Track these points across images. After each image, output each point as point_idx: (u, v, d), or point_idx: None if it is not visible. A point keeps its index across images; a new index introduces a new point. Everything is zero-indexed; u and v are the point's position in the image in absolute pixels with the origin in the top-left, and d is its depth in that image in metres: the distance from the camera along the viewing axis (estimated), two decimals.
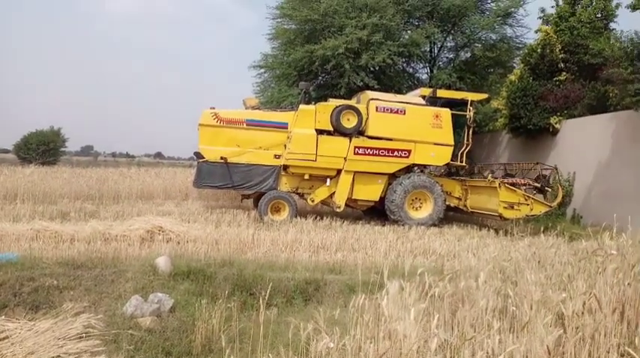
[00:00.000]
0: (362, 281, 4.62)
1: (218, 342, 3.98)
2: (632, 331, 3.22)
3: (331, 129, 10.79)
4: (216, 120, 10.60)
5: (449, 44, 17.87)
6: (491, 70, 17.77)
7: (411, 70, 18.18)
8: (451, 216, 12.12)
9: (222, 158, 10.42)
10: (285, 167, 10.81)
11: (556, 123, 13.34)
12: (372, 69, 15.18)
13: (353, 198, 11.04)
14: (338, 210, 10.87)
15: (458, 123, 11.86)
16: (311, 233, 8.44)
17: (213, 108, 10.71)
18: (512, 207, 10.52)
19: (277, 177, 10.81)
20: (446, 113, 11.26)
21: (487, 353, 2.58)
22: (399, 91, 16.01)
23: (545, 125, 13.38)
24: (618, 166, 11.25)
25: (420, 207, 11.17)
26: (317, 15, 15.12)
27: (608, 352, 2.88)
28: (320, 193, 10.99)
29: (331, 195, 10.99)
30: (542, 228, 8.14)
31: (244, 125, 10.72)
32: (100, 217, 9.24)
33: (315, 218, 9.84)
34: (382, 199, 11.09)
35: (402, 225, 10.17)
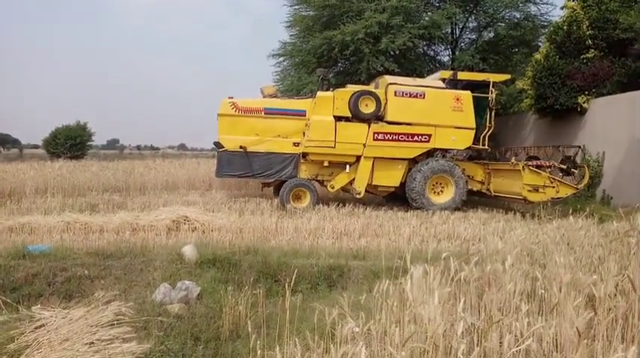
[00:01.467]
0: (386, 266, 4.61)
1: (245, 328, 4.03)
2: None
3: (349, 115, 10.70)
4: (235, 109, 10.63)
5: (471, 25, 17.47)
6: (516, 49, 17.31)
7: (432, 53, 17.90)
8: (476, 200, 11.94)
9: (241, 147, 10.49)
10: (305, 154, 10.80)
11: (584, 103, 12.92)
12: (392, 53, 14.97)
13: (373, 184, 10.96)
14: (358, 196, 10.81)
15: (481, 106, 11.58)
16: (334, 220, 8.45)
17: (232, 97, 10.72)
18: (537, 190, 10.30)
19: (297, 164, 10.82)
20: (467, 96, 11.02)
21: (515, 335, 2.54)
22: (420, 75, 15.77)
23: (573, 105, 12.98)
24: None
25: (442, 191, 11.04)
26: (335, 0, 14.95)
27: None
28: (340, 180, 10.95)
29: (351, 182, 10.93)
30: (570, 210, 7.95)
31: (262, 114, 10.73)
32: (127, 208, 9.44)
33: (338, 205, 9.84)
34: (402, 185, 11.00)
35: (426, 211, 10.05)
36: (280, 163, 10.77)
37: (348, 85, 11.65)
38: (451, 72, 11.67)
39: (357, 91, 10.79)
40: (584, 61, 13.21)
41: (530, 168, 10.41)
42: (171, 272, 5.10)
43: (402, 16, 14.47)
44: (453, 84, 11.40)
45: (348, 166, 10.89)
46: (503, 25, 16.58)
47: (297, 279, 4.79)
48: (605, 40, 13.17)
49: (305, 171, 10.97)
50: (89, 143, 30.83)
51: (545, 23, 16.61)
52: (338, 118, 10.67)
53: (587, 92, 12.89)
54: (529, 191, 10.26)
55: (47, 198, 10.78)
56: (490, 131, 11.50)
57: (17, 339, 3.62)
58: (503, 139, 17.32)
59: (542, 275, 3.53)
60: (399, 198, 11.57)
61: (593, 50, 13.23)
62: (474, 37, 17.69)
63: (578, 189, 10.81)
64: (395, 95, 10.74)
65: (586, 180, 10.91)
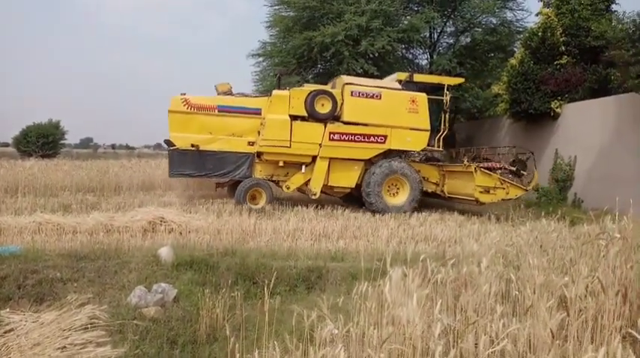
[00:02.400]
0: (364, 268, 4.64)
1: (222, 331, 3.99)
2: (635, 313, 3.23)
3: (306, 114, 10.53)
4: (187, 106, 10.23)
5: (449, 29, 17.78)
6: (492, 54, 17.68)
7: (410, 56, 18.14)
8: (430, 202, 12.09)
9: (192, 145, 10.12)
10: (259, 154, 10.56)
11: (557, 108, 13.29)
12: (371, 55, 15.09)
13: (329, 184, 10.88)
14: (314, 197, 10.70)
15: (438, 109, 11.72)
16: (312, 221, 8.45)
17: (184, 94, 10.35)
18: (488, 191, 10.56)
19: (251, 164, 10.56)
20: (422, 98, 11.08)
21: (491, 337, 2.59)
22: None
23: (546, 109, 13.33)
24: (619, 150, 11.23)
25: (397, 193, 11.05)
26: (315, 2, 15.01)
27: (611, 334, 2.89)
28: (295, 180, 10.78)
29: (307, 183, 10.80)
30: (543, 213, 8.14)
31: (216, 111, 10.38)
32: (101, 209, 9.24)
33: (317, 207, 9.85)
34: (358, 186, 10.97)
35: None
36: (234, 163, 10.47)
37: (305, 84, 11.59)
38: (407, 74, 11.77)
39: (314, 91, 10.67)
40: (558, 66, 13.59)
41: (482, 169, 10.64)
42: (146, 275, 5.01)
43: (382, 20, 14.61)
44: (409, 86, 11.43)
45: (303, 167, 10.72)
46: (480, 30, 16.92)
47: (276, 281, 4.74)
48: (577, 47, 13.58)
49: (260, 171, 10.73)
50: (62, 141, 30.09)
51: (521, 29, 17.02)
52: (294, 117, 10.49)
53: (560, 97, 13.26)
54: (480, 192, 10.50)
55: (18, 198, 10.47)
56: (445, 133, 11.62)
57: None
58: (478, 142, 17.63)
59: (517, 277, 3.61)
60: (354, 199, 11.55)
61: (566, 56, 13.63)
62: (451, 41, 18.01)
63: (527, 190, 11.15)
64: (351, 95, 10.67)
65: (534, 181, 11.22)
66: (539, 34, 13.89)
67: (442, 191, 11.61)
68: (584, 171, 12.46)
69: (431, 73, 16.15)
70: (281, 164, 10.66)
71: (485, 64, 17.50)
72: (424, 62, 18.08)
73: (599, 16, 13.35)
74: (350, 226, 8.36)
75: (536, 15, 14.88)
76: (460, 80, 12.50)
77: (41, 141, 27.10)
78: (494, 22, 16.99)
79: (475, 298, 3.04)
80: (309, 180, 10.73)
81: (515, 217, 9.22)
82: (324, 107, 10.49)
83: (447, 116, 11.65)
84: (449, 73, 15.45)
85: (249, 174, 10.50)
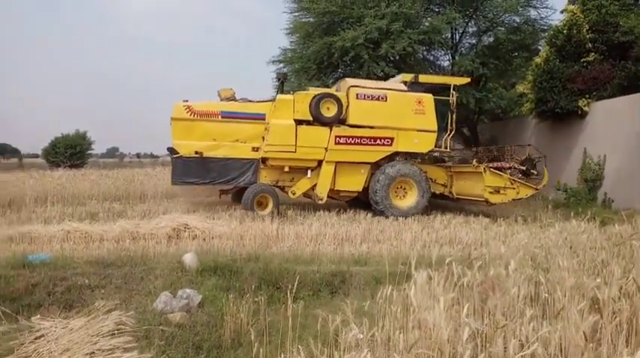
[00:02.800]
0: (388, 272, 4.58)
1: (247, 336, 4.00)
2: None
3: (311, 118, 10.35)
4: (190, 113, 10.10)
5: (471, 29, 17.49)
6: (516, 53, 17.33)
7: (431, 58, 17.91)
8: (439, 203, 11.89)
9: (196, 152, 9.99)
10: (264, 160, 10.40)
11: (585, 106, 12.95)
12: (392, 58, 14.97)
13: (335, 189, 10.71)
14: (320, 202, 10.54)
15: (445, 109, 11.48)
16: (335, 226, 8.42)
17: (187, 100, 10.21)
18: (499, 192, 10.39)
19: (256, 170, 10.40)
20: (428, 98, 10.90)
21: (520, 340, 2.51)
22: None
23: (574, 108, 13.00)
24: None
25: (405, 195, 10.85)
26: (335, 7, 15.01)
27: None
28: (301, 185, 10.63)
29: (313, 187, 10.64)
30: (572, 214, 7.92)
31: (219, 117, 10.25)
32: (127, 216, 9.41)
33: (339, 211, 9.81)
34: (365, 189, 10.80)
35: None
36: (239, 169, 10.32)
37: (310, 88, 11.37)
38: (413, 75, 11.56)
39: (318, 94, 10.48)
40: (585, 64, 13.24)
41: (491, 169, 10.46)
42: (172, 281, 5.06)
43: (402, 22, 14.50)
44: (415, 87, 11.24)
45: (309, 171, 10.56)
46: (502, 29, 16.61)
47: (299, 286, 4.75)
48: (605, 43, 13.21)
49: (265, 177, 10.56)
50: (89, 152, 30.84)
51: (545, 27, 16.64)
52: (299, 122, 10.32)
53: (587, 95, 12.92)
54: (490, 193, 10.33)
55: (47, 207, 10.75)
56: (452, 134, 11.43)
57: (17, 350, 3.59)
58: (502, 143, 17.30)
59: (546, 280, 3.50)
60: (361, 203, 11.34)
61: (593, 53, 13.27)
62: (473, 41, 17.72)
63: (538, 189, 10.91)
64: (357, 98, 10.51)
65: (545, 180, 10.97)
66: (565, 31, 13.57)
67: (450, 192, 11.45)
68: (613, 170, 12.08)
69: (453, 74, 15.96)
70: (286, 169, 10.51)
71: (509, 64, 17.17)
72: (446, 63, 17.87)
73: (627, 11, 12.99)
74: (373, 230, 8.30)
75: (562, 12, 14.56)
76: (466, 80, 12.26)
77: (69, 151, 27.84)
78: (518, 20, 16.65)
79: (503, 301, 2.95)
80: (315, 184, 10.59)
81: (543, 218, 9.02)
82: (329, 111, 10.35)
83: (454, 116, 11.43)
84: (471, 74, 15.22)
85: (254, 181, 10.34)
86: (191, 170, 10.07)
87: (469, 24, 17.17)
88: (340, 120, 10.48)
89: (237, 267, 5.61)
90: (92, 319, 3.99)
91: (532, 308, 2.93)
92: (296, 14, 17.38)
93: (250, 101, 10.83)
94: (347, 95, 10.53)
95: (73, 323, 3.95)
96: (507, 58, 16.99)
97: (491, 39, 17.17)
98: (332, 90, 11.17)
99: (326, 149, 10.38)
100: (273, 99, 10.61)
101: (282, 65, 18.26)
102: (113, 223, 7.98)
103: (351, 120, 10.51)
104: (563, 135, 13.78)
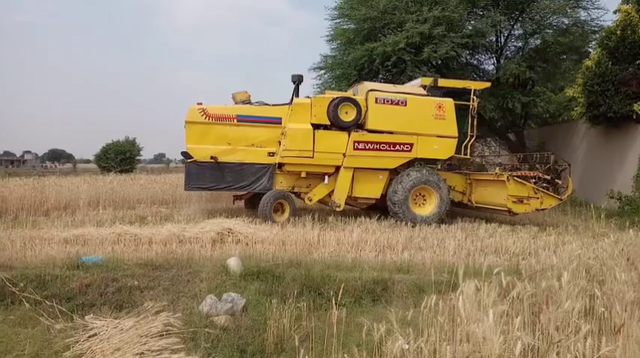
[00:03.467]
0: (432, 280, 4.49)
1: (289, 341, 4.02)
2: None
3: (328, 123, 10.09)
4: (205, 116, 9.83)
5: (517, 32, 17.00)
6: (564, 56, 16.73)
7: (475, 62, 17.54)
8: (457, 211, 11.57)
9: (212, 157, 9.74)
10: (280, 165, 10.11)
11: None
12: (434, 63, 14.77)
13: (353, 196, 10.44)
14: (338, 209, 10.24)
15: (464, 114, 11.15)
16: (376, 232, 8.36)
17: (201, 103, 9.96)
18: (522, 201, 10.06)
19: (272, 175, 10.12)
20: (449, 103, 10.57)
21: (576, 357, 2.39)
22: None
23: (628, 112, 12.36)
24: None
25: (424, 203, 10.54)
26: (376, 12, 14.98)
27: None
28: (318, 192, 10.38)
29: (330, 194, 10.40)
30: (627, 224, 7.52)
31: (235, 121, 9.97)
32: (174, 220, 9.69)
33: (379, 218, 9.72)
34: (383, 196, 10.53)
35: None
36: (254, 174, 10.02)
37: (327, 91, 11.00)
38: (432, 78, 11.24)
39: (337, 98, 10.19)
40: None
41: (515, 178, 10.10)
42: (216, 284, 5.16)
43: (445, 26, 14.29)
44: (434, 91, 10.91)
45: (326, 177, 10.29)
46: (550, 31, 16.05)
47: (341, 293, 4.74)
48: None
49: (281, 183, 10.27)
50: (137, 157, 32.07)
51: (596, 29, 15.97)
52: (316, 126, 10.06)
53: None
54: (514, 202, 10.01)
55: (99, 211, 11.25)
56: (473, 139, 11.05)
57: (72, 347, 3.75)
58: (551, 149, 16.69)
59: (602, 293, 3.33)
60: (377, 209, 11.05)
61: None
62: (520, 44, 17.21)
63: (562, 200, 10.52)
64: (376, 102, 10.20)
65: (570, 191, 10.56)
66: (618, 32, 12.94)
67: (470, 200, 11.15)
68: None
69: (498, 79, 15.56)
70: (303, 175, 10.24)
71: (558, 67, 16.57)
72: (490, 67, 17.45)
73: None
74: (415, 237, 8.18)
75: (614, 13, 13.88)
76: (487, 84, 11.87)
77: (119, 157, 29.05)
78: (567, 22, 16.07)
79: (557, 315, 2.83)
80: (332, 191, 10.35)
81: (595, 228, 8.60)
82: (347, 115, 10.06)
83: (475, 121, 11.05)
84: (517, 78, 14.81)
85: (269, 187, 10.07)
86: (206, 175, 9.82)
87: (515, 27, 16.70)
88: (358, 124, 10.22)
89: (280, 273, 5.64)
90: (141, 319, 4.12)
91: (587, 324, 2.78)
92: (337, 21, 17.49)
93: (266, 104, 10.58)
94: (366, 99, 10.27)
95: (124, 323, 4.09)
96: (555, 61, 16.41)
97: (539, 41, 16.64)
98: (349, 94, 10.87)
99: (344, 154, 10.14)
100: (289, 103, 10.34)
101: (322, 72, 18.39)
102: (161, 226, 8.23)
103: (369, 125, 10.25)
104: (617, 140, 13.13)
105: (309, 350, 3.02)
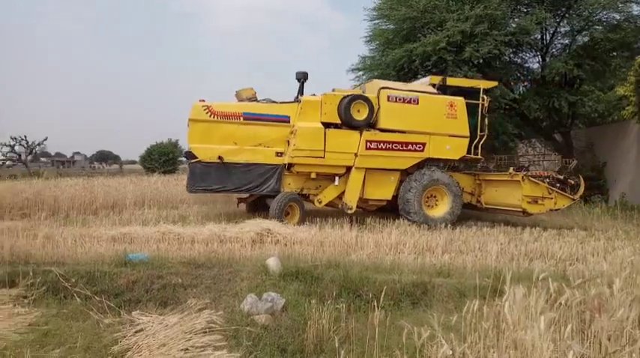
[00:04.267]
0: (473, 285, 4.39)
1: (328, 342, 4.03)
2: None
3: (339, 121, 9.74)
4: (209, 114, 9.39)
5: (563, 29, 16.36)
6: (615, 53, 15.94)
7: (519, 61, 16.99)
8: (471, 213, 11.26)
9: (219, 157, 9.32)
10: (289, 166, 9.70)
11: None
12: (475, 62, 14.45)
13: (364, 197, 10.11)
14: (349, 211, 9.91)
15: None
16: (415, 235, 8.26)
17: (203, 100, 9.56)
18: (537, 202, 9.82)
19: (280, 177, 9.73)
20: (460, 102, 10.25)
21: None
22: (507, 85, 15.05)
23: None
24: None
25: (436, 204, 10.26)
26: (416, 12, 14.81)
27: None
28: (328, 193, 10.05)
29: (339, 196, 10.08)
30: None
31: (241, 119, 9.53)
32: (215, 220, 9.91)
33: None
34: (394, 198, 10.27)
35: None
36: (262, 176, 9.59)
37: (336, 89, 10.52)
38: (441, 77, 10.95)
39: (348, 95, 9.80)
40: None
41: (530, 178, 9.85)
42: (256, 284, 5.23)
43: (487, 24, 13.94)
44: (443, 90, 10.60)
45: (337, 178, 9.94)
46: (600, 27, 15.36)
47: (379, 295, 4.72)
48: None
49: (289, 185, 9.87)
50: (180, 158, 33.03)
51: None
52: (326, 125, 9.72)
53: None
54: (528, 202, 9.78)
55: (144, 210, 11.64)
56: (484, 139, 10.67)
57: (120, 342, 3.90)
58: (600, 151, 16.01)
59: None
60: (386, 211, 10.80)
61: None
62: (566, 41, 16.55)
63: (574, 200, 10.27)
64: (388, 100, 9.88)
65: (582, 190, 10.27)
66: None
67: (479, 201, 10.89)
68: None
69: (543, 77, 15.04)
70: (313, 176, 9.88)
71: (607, 65, 15.82)
72: (535, 66, 16.88)
73: None
74: (455, 240, 8.04)
75: None
76: (494, 84, 11.52)
77: (163, 158, 29.97)
78: (618, 17, 15.31)
79: (609, 324, 2.71)
80: (342, 193, 10.04)
81: None
82: (360, 113, 9.70)
83: (485, 121, 10.72)
84: (564, 76, 14.27)
85: (277, 188, 9.69)
86: (211, 176, 9.40)
87: (561, 23, 16.08)
88: (369, 124, 9.91)
89: (318, 273, 5.66)
90: (185, 316, 4.24)
91: None
92: (375, 22, 17.40)
93: (274, 102, 10.20)
94: (378, 97, 9.94)
95: (168, 320, 4.22)
96: (605, 59, 15.68)
97: (587, 38, 15.94)
98: (359, 92, 10.51)
99: (356, 154, 9.81)
100: (297, 101, 9.98)
101: (361, 73, 18.34)
102: (202, 226, 8.43)
103: (382, 124, 9.94)
104: None
105: (349, 351, 3.02)
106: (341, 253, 7.06)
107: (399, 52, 14.84)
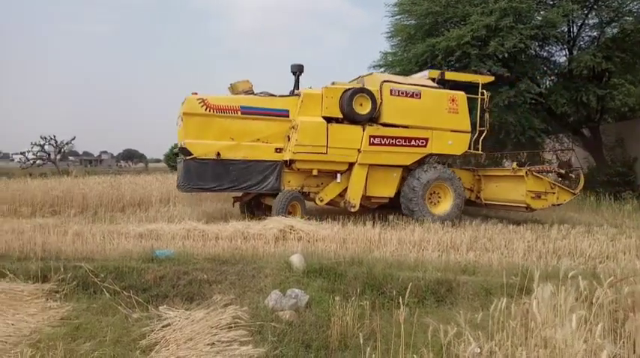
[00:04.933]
0: (500, 283, 4.32)
1: (352, 339, 4.04)
2: None
3: (340, 116, 9.36)
4: (205, 107, 8.85)
5: (591, 21, 15.90)
6: None
7: (545, 54, 16.61)
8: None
9: (217, 154, 8.84)
10: (289, 162, 9.27)
11: None
12: (500, 56, 14.18)
13: (367, 195, 9.80)
14: (353, 210, 9.58)
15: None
16: (439, 232, 8.19)
17: (196, 93, 9.00)
18: (540, 197, 9.63)
19: (280, 174, 9.28)
20: (462, 96, 10.00)
21: None
22: (533, 79, 14.74)
23: None
24: None
25: (439, 201, 10.01)
26: (438, 7, 14.63)
27: None
28: (330, 191, 9.68)
29: (341, 193, 9.73)
30: None
31: (239, 113, 9.04)
32: (238, 217, 10.00)
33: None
34: (396, 195, 10.02)
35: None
36: (261, 173, 9.13)
37: (336, 82, 9.99)
38: (439, 71, 10.66)
39: (350, 89, 9.42)
40: None
41: (534, 173, 9.67)
42: (280, 280, 5.27)
43: (512, 17, 13.66)
44: (442, 84, 10.33)
45: (339, 175, 9.55)
46: (630, 19, 14.86)
47: (403, 292, 4.70)
48: None
49: (289, 182, 9.44)
50: None
51: None
52: (328, 120, 9.32)
53: None
54: (532, 198, 9.58)
55: (170, 207, 11.83)
56: (484, 135, 10.43)
57: (148, 336, 3.99)
58: (630, 146, 15.55)
59: None
60: (384, 208, 10.52)
61: None
62: (594, 34, 16.09)
63: (575, 194, 10.07)
64: (391, 94, 9.55)
65: (581, 184, 10.08)
66: None
67: (478, 197, 10.68)
68: None
69: (571, 71, 14.67)
70: (314, 173, 9.47)
71: (638, 57, 15.33)
72: (562, 59, 16.47)
73: None
74: (480, 237, 7.93)
75: None
76: (490, 78, 11.18)
77: None
78: None
79: None
80: (343, 190, 9.70)
81: None
82: (362, 107, 9.31)
83: (486, 116, 10.48)
84: (592, 69, 13.89)
85: (277, 186, 9.26)
86: (207, 174, 8.86)
87: (589, 15, 15.63)
88: (372, 118, 9.58)
89: (342, 270, 5.67)
90: (211, 311, 4.30)
91: None
92: (397, 17, 17.25)
93: (272, 95, 9.70)
94: (380, 91, 9.57)
95: (195, 315, 4.29)
96: (636, 51, 15.16)
97: (616, 30, 15.45)
98: (359, 85, 10.07)
99: (359, 150, 9.46)
100: (297, 94, 9.57)
101: (382, 69, 18.21)
102: (226, 223, 8.53)
103: (384, 119, 9.60)
104: None
105: (373, 348, 3.01)
106: (364, 250, 7.04)
107: (422, 47, 14.67)
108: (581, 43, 16.23)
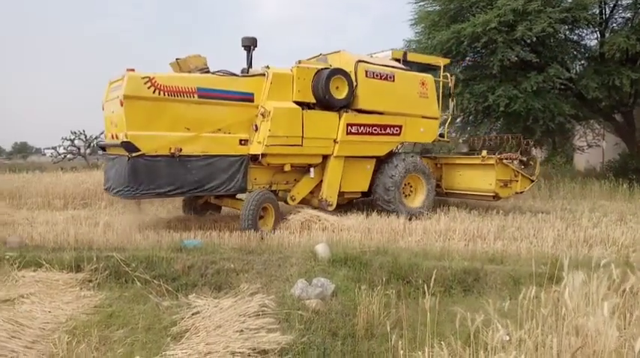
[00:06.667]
0: (529, 272, 4.26)
1: (379, 327, 4.06)
2: None
3: (313, 101, 8.05)
4: (153, 89, 6.77)
5: (625, 2, 15.27)
6: None
7: (575, 38, 16.05)
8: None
9: (177, 149, 6.91)
10: (256, 157, 7.63)
11: None
12: (528, 41, 13.79)
13: (341, 190, 8.67)
14: (330, 208, 8.40)
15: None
16: (465, 221, 8.09)
17: (133, 69, 6.80)
18: (506, 185, 9.37)
19: (246, 171, 7.59)
20: (430, 80, 9.27)
21: None
22: (563, 63, 14.30)
23: None
24: None
25: (412, 193, 9.36)
26: None
27: None
28: (302, 188, 8.38)
29: (312, 191, 8.54)
30: None
31: (195, 96, 7.12)
32: None
33: (466, 206, 9.38)
34: (369, 188, 9.18)
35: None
36: (226, 171, 7.36)
37: (302, 61, 8.30)
38: (402, 51, 10.00)
39: (326, 69, 8.07)
40: None
41: (504, 162, 9.33)
42: (306, 269, 5.32)
43: (541, 0, 13.24)
44: (407, 66, 9.48)
45: (312, 170, 8.31)
46: None
47: (429, 281, 4.68)
48: None
49: (255, 180, 7.89)
50: None
51: None
52: (300, 105, 7.92)
53: None
54: (501, 186, 9.30)
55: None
56: (448, 121, 10.04)
57: (178, 323, 4.10)
58: None
59: None
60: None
61: None
62: (628, 15, 15.46)
63: (533, 181, 9.85)
64: (366, 76, 8.39)
65: (537, 170, 9.91)
66: None
67: (439, 186, 10.21)
68: None
69: (602, 54, 14.17)
70: (287, 168, 8.01)
71: None
72: (593, 43, 15.90)
73: None
74: (508, 226, 7.80)
75: None
76: (447, 61, 10.51)
77: None
78: None
79: None
80: (315, 187, 8.52)
81: None
82: (339, 91, 8.06)
83: (455, 100, 10.01)
84: (626, 52, 13.39)
85: (244, 186, 7.59)
86: (160, 175, 6.86)
87: None
88: (347, 104, 8.38)
89: (367, 260, 5.69)
90: (239, 300, 4.39)
91: None
92: (421, 4, 16.92)
93: (234, 74, 7.90)
94: (355, 72, 8.31)
95: (223, 303, 4.39)
96: None
97: None
98: (324, 65, 8.59)
99: (335, 141, 8.27)
100: (263, 74, 7.86)
101: None
102: None
103: (360, 104, 8.43)
104: None
105: (400, 336, 3.02)
106: (389, 240, 7.03)
107: (446, 34, 14.36)
108: (614, 24, 15.62)
